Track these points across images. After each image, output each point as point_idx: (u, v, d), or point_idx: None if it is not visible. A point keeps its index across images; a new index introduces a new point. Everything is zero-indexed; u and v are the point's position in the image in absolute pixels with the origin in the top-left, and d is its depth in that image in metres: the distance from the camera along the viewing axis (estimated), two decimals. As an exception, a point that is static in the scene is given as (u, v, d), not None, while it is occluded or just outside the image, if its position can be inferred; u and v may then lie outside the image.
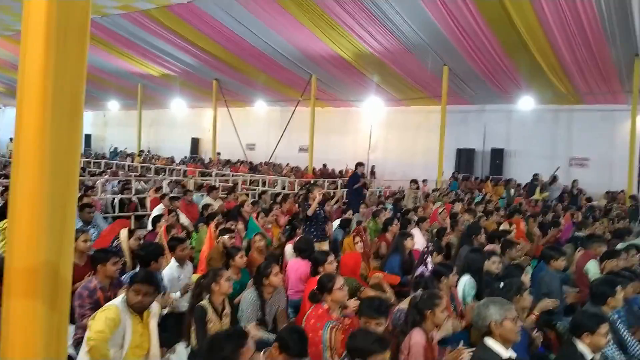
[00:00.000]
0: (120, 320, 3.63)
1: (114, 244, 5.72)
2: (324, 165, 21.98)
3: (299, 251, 5.67)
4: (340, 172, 20.97)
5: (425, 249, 5.66)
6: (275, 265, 4.67)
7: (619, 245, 7.55)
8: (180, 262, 5.36)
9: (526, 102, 17.77)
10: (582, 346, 3.58)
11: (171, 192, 11.77)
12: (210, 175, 17.34)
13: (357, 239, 6.53)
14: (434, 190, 15.41)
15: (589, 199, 15.25)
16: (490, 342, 3.41)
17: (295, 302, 5.24)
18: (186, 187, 12.58)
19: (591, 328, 3.54)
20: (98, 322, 3.55)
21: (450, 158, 19.10)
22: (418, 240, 6.91)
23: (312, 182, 14.30)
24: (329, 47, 15.49)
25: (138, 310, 3.73)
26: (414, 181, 14.06)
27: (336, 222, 8.55)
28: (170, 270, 5.24)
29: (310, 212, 7.15)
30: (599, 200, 15.24)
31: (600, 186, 16.75)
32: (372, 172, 19.96)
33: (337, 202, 10.14)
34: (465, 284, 5.19)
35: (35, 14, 2.32)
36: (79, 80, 2.43)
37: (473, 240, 6.94)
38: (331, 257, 5.07)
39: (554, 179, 15.27)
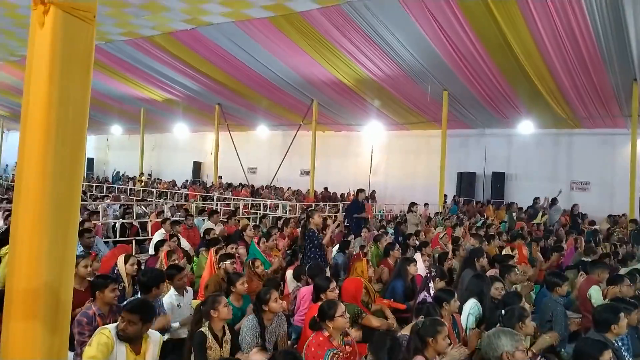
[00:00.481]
0: (113, 344, 3.54)
1: (115, 270, 5.62)
2: (325, 189, 21.74)
3: (312, 277, 5.56)
4: (342, 195, 20.73)
5: (428, 274, 5.53)
6: (274, 291, 4.61)
7: (622, 271, 7.41)
8: (180, 290, 5.26)
9: (526, 126, 17.74)
10: (586, 374, 3.50)
11: (172, 216, 11.63)
12: (212, 199, 17.17)
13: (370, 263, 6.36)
14: (436, 214, 15.22)
15: (592, 223, 15.01)
16: (501, 372, 3.35)
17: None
18: (188, 211, 12.49)
19: (594, 356, 3.49)
20: (91, 349, 3.48)
21: (451, 181, 18.91)
22: (419, 265, 6.86)
23: (312, 206, 14.10)
24: (329, 72, 15.42)
25: (124, 338, 3.61)
26: (413, 204, 13.77)
27: (337, 247, 8.40)
28: (169, 299, 5.15)
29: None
30: (601, 225, 15.02)
31: (602, 210, 16.58)
32: (373, 197, 19.74)
33: (338, 225, 9.82)
34: (469, 309, 5.11)
35: (41, 40, 2.35)
36: (82, 105, 2.45)
37: (475, 264, 6.87)
38: (333, 284, 4.99)
39: (553, 201, 15.02)
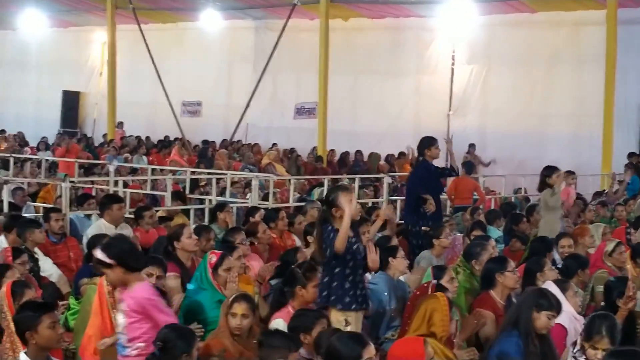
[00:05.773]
0: None
1: None
2: (357, 153, 15.85)
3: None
4: (388, 160, 15.31)
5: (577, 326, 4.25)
6: None
7: None
8: None
9: None
10: None
11: (22, 211, 9.01)
12: (105, 173, 12.63)
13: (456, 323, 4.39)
14: (596, 196, 11.06)
15: None
16: None
17: None
18: (53, 199, 9.59)
19: None
20: None
21: (628, 124, 13.75)
22: (564, 308, 4.67)
23: (326, 181, 10.33)
24: None
25: None
26: (549, 172, 7.98)
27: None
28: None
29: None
30: None
31: None
32: (470, 161, 13.10)
33: (382, 226, 6.66)
34: None
35: None
36: None
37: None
38: (369, 351, 3.44)
39: None
